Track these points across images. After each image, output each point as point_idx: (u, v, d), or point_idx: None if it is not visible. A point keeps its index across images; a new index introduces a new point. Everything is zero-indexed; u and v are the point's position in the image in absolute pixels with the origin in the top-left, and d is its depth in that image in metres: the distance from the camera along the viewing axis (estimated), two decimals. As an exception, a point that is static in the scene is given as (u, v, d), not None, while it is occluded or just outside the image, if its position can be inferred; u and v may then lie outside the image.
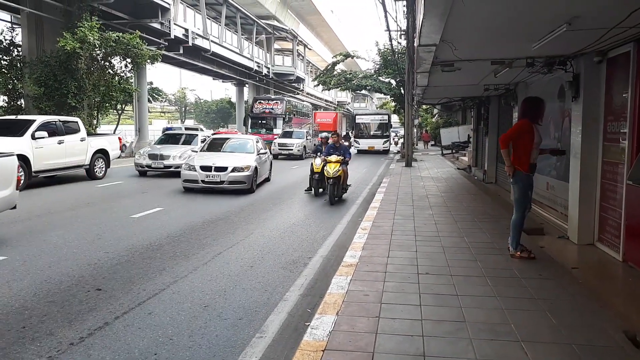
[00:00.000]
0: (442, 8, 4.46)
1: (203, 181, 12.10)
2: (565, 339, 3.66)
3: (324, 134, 12.03)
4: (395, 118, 49.16)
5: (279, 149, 26.90)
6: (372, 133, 35.14)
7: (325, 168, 11.19)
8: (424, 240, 6.85)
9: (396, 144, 44.60)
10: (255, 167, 12.69)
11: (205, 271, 5.77)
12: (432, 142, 42.09)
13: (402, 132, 40.75)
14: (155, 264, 6.02)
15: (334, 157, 11.24)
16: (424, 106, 35.93)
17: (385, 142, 34.61)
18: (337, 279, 5.03)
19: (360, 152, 33.56)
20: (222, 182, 12.07)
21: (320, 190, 12.22)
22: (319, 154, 12.26)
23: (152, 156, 15.72)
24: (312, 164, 12.25)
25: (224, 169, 12.13)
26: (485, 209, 9.73)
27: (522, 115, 5.94)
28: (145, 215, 9.23)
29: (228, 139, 14.97)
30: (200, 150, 14.24)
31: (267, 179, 15.02)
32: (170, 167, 15.48)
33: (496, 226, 7.82)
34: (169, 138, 17.68)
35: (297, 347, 3.56)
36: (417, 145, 40.14)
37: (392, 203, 10.20)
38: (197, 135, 17.80)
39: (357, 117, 37.01)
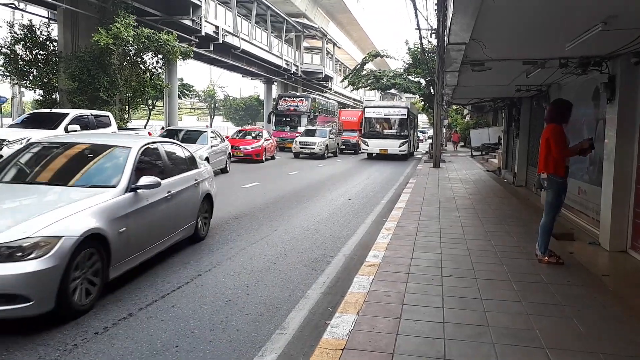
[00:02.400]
0: (472, 6, 4.38)
1: None
2: (592, 348, 3.55)
3: None
4: (424, 118, 48.35)
5: (300, 148, 25.75)
6: (385, 132, 27.53)
7: None
8: (449, 242, 6.76)
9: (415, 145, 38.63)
10: (100, 237, 4.36)
11: (228, 266, 5.82)
12: (462, 143, 41.25)
13: (430, 132, 40.07)
14: (180, 257, 6.10)
15: None
16: (453, 106, 35.43)
17: (403, 144, 26.54)
18: (359, 279, 5.00)
19: (372, 156, 27.06)
20: None
21: None
22: None
23: None
24: None
25: None
26: (514, 212, 9.54)
27: (553, 119, 5.75)
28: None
29: (66, 145, 5.82)
30: None
31: (197, 238, 6.74)
32: None
33: (524, 230, 7.65)
34: (173, 135, 15.71)
35: (317, 344, 3.55)
36: (445, 146, 39.59)
37: (417, 204, 10.10)
38: (205, 132, 16.89)
39: (366, 110, 29.33)
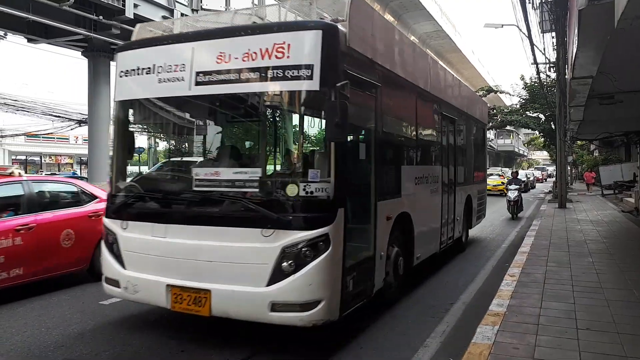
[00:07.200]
0: (598, 39, 4.14)
1: None
2: None
3: None
4: (544, 154, 45.29)
5: None
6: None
7: None
8: (583, 291, 6.16)
9: (516, 206, 16.05)
10: None
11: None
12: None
13: (551, 169, 37.25)
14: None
15: None
16: (578, 142, 32.90)
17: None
18: (482, 329, 4.72)
19: None
20: None
21: None
22: None
23: None
24: None
25: None
26: (659, 258, 8.48)
27: None
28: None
29: None
30: None
31: None
32: None
33: (674, 279, 6.74)
34: None
35: (440, 398, 3.39)
36: (572, 184, 36.59)
37: (544, 248, 9.38)
38: None
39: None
